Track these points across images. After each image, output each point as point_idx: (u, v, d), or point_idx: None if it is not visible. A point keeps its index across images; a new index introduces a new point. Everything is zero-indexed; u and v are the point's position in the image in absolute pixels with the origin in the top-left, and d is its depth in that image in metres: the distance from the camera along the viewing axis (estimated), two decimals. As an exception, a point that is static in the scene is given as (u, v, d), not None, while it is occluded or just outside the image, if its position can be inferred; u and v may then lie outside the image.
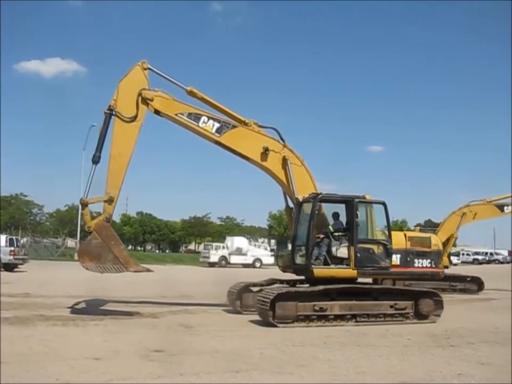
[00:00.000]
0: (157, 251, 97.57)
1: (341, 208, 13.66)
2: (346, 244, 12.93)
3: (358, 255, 12.69)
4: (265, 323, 11.71)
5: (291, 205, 14.46)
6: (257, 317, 12.26)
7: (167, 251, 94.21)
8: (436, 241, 14.47)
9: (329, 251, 12.96)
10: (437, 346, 9.79)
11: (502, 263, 79.17)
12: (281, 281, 14.11)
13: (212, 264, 49.79)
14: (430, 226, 45.64)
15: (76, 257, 53.44)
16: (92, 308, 13.83)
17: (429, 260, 13.80)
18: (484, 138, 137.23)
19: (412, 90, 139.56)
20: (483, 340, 10.57)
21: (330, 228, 13.32)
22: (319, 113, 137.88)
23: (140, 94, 12.60)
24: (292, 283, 13.67)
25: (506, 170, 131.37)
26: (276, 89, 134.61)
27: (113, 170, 12.35)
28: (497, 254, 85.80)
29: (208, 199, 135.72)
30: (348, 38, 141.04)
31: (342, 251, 12.91)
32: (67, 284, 20.88)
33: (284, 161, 13.80)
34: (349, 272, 12.73)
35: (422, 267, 13.74)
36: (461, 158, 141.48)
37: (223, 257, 50.88)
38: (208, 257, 51.09)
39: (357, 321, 12.31)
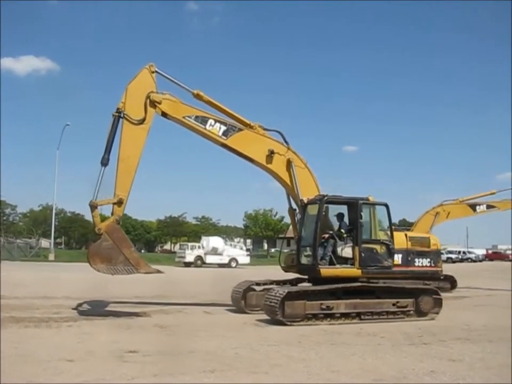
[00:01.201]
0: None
1: (340, 209, 14.11)
2: (351, 244, 13.32)
3: (362, 255, 13.07)
4: (238, 324, 11.75)
5: (294, 206, 14.71)
6: (235, 317, 12.28)
7: (142, 251, 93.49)
8: (435, 241, 15.06)
9: (334, 251, 13.32)
10: (410, 344, 9.89)
11: (474, 261, 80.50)
12: (278, 282, 14.42)
13: (188, 264, 49.65)
14: (405, 225, 46.16)
15: (50, 257, 53.25)
16: (66, 309, 13.70)
17: (428, 259, 14.48)
18: (460, 136, 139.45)
19: (386, 89, 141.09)
20: (455, 338, 10.72)
21: (342, 230, 13.64)
22: (294, 113, 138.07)
23: (148, 97, 12.77)
24: (291, 283, 14.07)
25: (481, 169, 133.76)
26: (252, 88, 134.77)
27: (122, 173, 12.40)
28: (470, 252, 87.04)
29: (184, 199, 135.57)
30: (322, 37, 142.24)
31: (346, 251, 13.32)
32: (41, 285, 20.63)
33: (288, 163, 14.11)
34: (354, 271, 13.09)
35: (422, 266, 14.40)
36: (435, 156, 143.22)
37: (199, 257, 50.74)
38: (184, 257, 50.86)
39: (361, 319, 12.64)
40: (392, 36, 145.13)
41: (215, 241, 53.33)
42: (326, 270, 12.95)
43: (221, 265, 50.14)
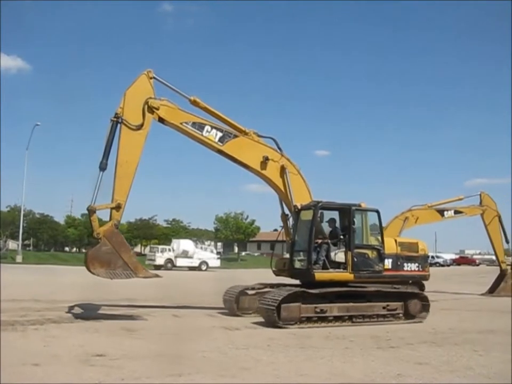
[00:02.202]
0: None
1: (330, 215, 14.35)
2: (343, 249, 13.62)
3: (355, 259, 13.41)
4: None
5: (287, 211, 14.93)
6: (204, 321, 12.23)
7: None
8: (423, 246, 15.36)
9: (327, 256, 13.55)
10: (378, 348, 9.99)
11: (442, 266, 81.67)
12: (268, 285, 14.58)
13: (158, 267, 49.14)
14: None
15: (17, 259, 52.40)
16: (33, 312, 13.51)
17: (416, 264, 14.86)
18: (431, 142, 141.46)
19: (357, 92, 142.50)
20: (422, 341, 10.85)
21: (341, 236, 13.87)
22: (265, 114, 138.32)
23: (146, 103, 12.87)
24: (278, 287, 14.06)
25: (450, 175, 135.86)
26: (225, 90, 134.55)
27: (120, 178, 12.42)
28: (438, 257, 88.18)
29: (155, 201, 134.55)
30: (295, 38, 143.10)
31: (339, 256, 13.60)
32: (7, 287, 20.22)
33: (282, 170, 14.40)
34: (347, 275, 13.44)
35: (411, 270, 14.78)
36: (405, 162, 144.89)
37: (169, 260, 50.48)
38: (154, 260, 50.51)
39: (353, 322, 12.99)
40: (364, 37, 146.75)
41: (185, 244, 53.12)
42: (320, 274, 13.23)
43: (191, 268, 49.93)
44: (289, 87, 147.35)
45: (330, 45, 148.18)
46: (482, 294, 24.54)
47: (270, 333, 11.47)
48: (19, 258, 53.26)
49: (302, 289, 12.81)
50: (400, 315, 13.75)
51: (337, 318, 12.87)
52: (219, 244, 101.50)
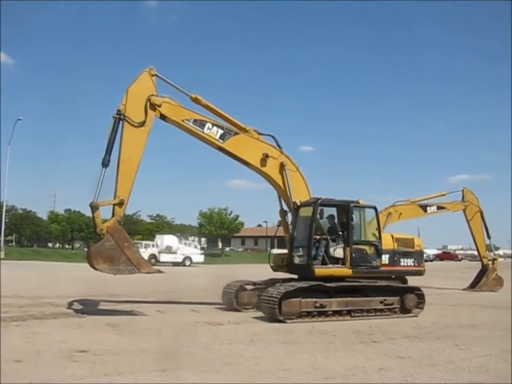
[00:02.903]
0: (86, 249, 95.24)
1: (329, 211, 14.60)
2: (342, 245, 13.90)
3: (353, 255, 13.71)
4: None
5: (285, 207, 15.10)
6: (188, 316, 12.20)
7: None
8: (418, 242, 15.75)
9: (327, 251, 13.80)
10: (360, 343, 10.06)
11: (425, 261, 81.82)
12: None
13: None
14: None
15: (0, 255, 51.80)
16: (16, 308, 13.41)
17: (412, 259, 15.24)
18: (415, 137, 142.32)
19: (340, 88, 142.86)
20: (404, 335, 10.96)
21: (340, 233, 14.12)
22: (249, 110, 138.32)
23: (148, 100, 12.96)
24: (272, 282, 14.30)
25: (435, 170, 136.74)
26: (208, 86, 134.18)
27: (123, 174, 12.53)
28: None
29: (138, 197, 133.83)
30: (279, 36, 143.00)
31: (338, 251, 13.89)
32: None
33: (282, 167, 14.56)
34: (345, 271, 13.74)
35: (407, 265, 15.14)
36: (389, 157, 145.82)
37: (153, 256, 50.20)
38: (138, 256, 50.14)
39: (352, 316, 13.26)
40: (348, 33, 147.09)
41: (169, 240, 52.94)
42: (319, 270, 13.48)
43: (175, 264, 49.82)
44: (274, 84, 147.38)
45: (314, 41, 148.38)
46: (464, 289, 24.77)
47: (254, 328, 11.52)
48: (1, 254, 52.58)
49: (319, 283, 13.05)
50: (397, 309, 14.07)
51: (335, 313, 13.12)
52: (203, 240, 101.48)
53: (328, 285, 13.06)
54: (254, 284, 14.87)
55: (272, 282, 14.29)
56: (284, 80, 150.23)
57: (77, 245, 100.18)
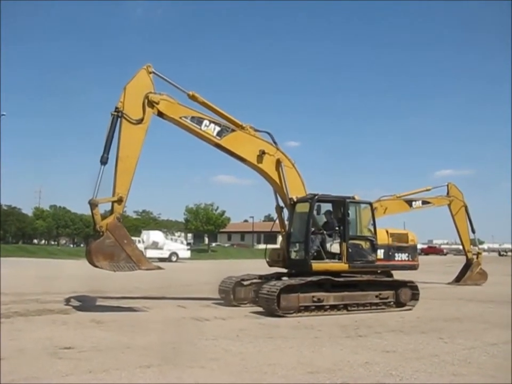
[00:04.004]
0: (72, 245, 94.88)
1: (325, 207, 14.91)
2: (339, 240, 14.12)
3: (349, 250, 13.94)
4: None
5: (281, 203, 15.19)
6: (173, 312, 12.17)
7: (81, 245, 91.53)
8: (412, 237, 15.84)
9: (323, 247, 13.98)
10: (346, 337, 10.11)
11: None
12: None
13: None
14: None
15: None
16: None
17: (406, 254, 15.37)
18: (401, 132, 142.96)
19: (327, 82, 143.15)
20: (389, 329, 11.04)
21: (337, 228, 14.28)
22: (236, 106, 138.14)
23: (146, 97, 12.98)
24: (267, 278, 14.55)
25: (420, 165, 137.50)
26: (196, 80, 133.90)
27: (121, 172, 12.52)
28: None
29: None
30: (266, 30, 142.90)
31: (335, 247, 14.12)
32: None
33: (278, 163, 14.68)
34: (342, 265, 13.93)
35: (401, 260, 15.28)
36: (375, 151, 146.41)
37: (139, 252, 50.03)
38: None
39: (348, 310, 13.48)
40: (337, 27, 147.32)
41: (155, 236, 52.83)
42: (316, 265, 13.64)
43: (161, 260, 49.65)
44: (260, 79, 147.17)
45: (301, 35, 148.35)
46: (449, 283, 24.99)
47: (240, 323, 11.54)
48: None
49: (327, 277, 13.24)
50: (392, 303, 14.28)
51: (332, 307, 13.31)
52: (189, 235, 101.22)
53: (337, 279, 13.39)
54: (251, 279, 14.95)
55: (270, 277, 14.45)
56: (269, 75, 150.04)
57: (62, 241, 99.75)
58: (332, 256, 14.03)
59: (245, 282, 14.86)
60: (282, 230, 15.18)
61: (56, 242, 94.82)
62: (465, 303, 16.83)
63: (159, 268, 13.06)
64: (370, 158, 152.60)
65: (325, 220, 14.79)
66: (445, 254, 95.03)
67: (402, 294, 14.37)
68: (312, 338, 9.93)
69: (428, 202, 25.76)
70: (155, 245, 51.00)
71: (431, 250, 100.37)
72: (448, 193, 25.89)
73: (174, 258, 51.56)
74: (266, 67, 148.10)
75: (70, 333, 9.93)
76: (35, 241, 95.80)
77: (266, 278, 14.62)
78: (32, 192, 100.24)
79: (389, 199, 25.00)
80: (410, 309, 14.18)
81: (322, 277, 13.21)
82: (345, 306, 13.51)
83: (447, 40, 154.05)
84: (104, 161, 12.38)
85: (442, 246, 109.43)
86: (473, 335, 10.49)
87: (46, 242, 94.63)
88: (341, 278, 13.56)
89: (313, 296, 13.00)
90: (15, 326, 10.60)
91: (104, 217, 12.35)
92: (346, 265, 13.87)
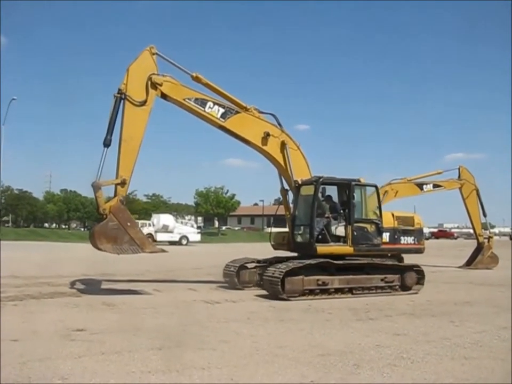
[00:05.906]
0: (82, 229, 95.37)
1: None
2: (344, 224, 14.02)
3: (355, 233, 13.81)
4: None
5: (286, 186, 15.12)
6: (185, 295, 12.21)
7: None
8: (419, 220, 15.67)
9: (328, 230, 13.90)
10: (357, 320, 10.11)
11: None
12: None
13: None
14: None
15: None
16: (12, 288, 13.42)
17: (412, 237, 15.21)
18: (413, 115, 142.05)
19: (337, 67, 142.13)
20: (400, 313, 11.04)
21: (341, 211, 14.25)
22: (245, 93, 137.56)
23: (149, 79, 12.88)
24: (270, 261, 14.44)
25: (432, 148, 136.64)
26: (206, 65, 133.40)
27: (125, 154, 12.44)
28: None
29: (135, 176, 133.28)
30: (273, 16, 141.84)
31: (340, 230, 14.02)
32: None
33: (282, 145, 14.53)
34: (347, 249, 13.85)
35: (407, 244, 15.13)
36: (386, 135, 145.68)
37: (149, 235, 50.02)
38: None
39: (353, 294, 13.48)
40: (343, 16, 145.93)
41: (165, 219, 53.02)
42: (321, 248, 13.55)
43: (172, 243, 49.88)
44: (271, 64, 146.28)
45: (309, 23, 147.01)
46: (459, 267, 24.94)
47: (250, 306, 11.57)
48: (-2, 234, 52.75)
49: (327, 259, 13.17)
50: (397, 287, 14.21)
51: (337, 290, 13.29)
52: (199, 219, 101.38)
53: (336, 262, 13.27)
54: (256, 262, 14.97)
55: (275, 260, 14.35)
56: (279, 59, 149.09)
57: (73, 225, 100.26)
58: (337, 239, 13.93)
59: (250, 265, 14.86)
60: (287, 213, 15.12)
61: (67, 226, 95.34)
62: (475, 287, 16.80)
63: (163, 251, 13.13)
64: (380, 142, 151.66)
65: (330, 202, 14.63)
66: (456, 238, 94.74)
67: (408, 278, 14.30)
68: (323, 321, 9.95)
69: (439, 186, 25.61)
70: (165, 228, 51.22)
71: (442, 234, 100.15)
72: (459, 176, 25.73)
73: (184, 242, 51.79)
74: (280, 52, 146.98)
75: (82, 315, 9.99)
76: (46, 225, 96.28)
77: (264, 262, 14.61)
78: (43, 176, 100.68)
79: (400, 182, 24.89)
80: (416, 293, 14.09)
81: (322, 260, 13.12)
82: (350, 290, 13.48)
83: (459, 32, 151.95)
84: (107, 143, 12.31)
85: (453, 230, 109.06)
86: (484, 318, 10.48)
87: (57, 226, 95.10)
88: (340, 260, 13.46)
89: (317, 280, 12.97)
90: (28, 308, 10.69)
91: (108, 200, 12.32)
92: (351, 248, 13.77)
